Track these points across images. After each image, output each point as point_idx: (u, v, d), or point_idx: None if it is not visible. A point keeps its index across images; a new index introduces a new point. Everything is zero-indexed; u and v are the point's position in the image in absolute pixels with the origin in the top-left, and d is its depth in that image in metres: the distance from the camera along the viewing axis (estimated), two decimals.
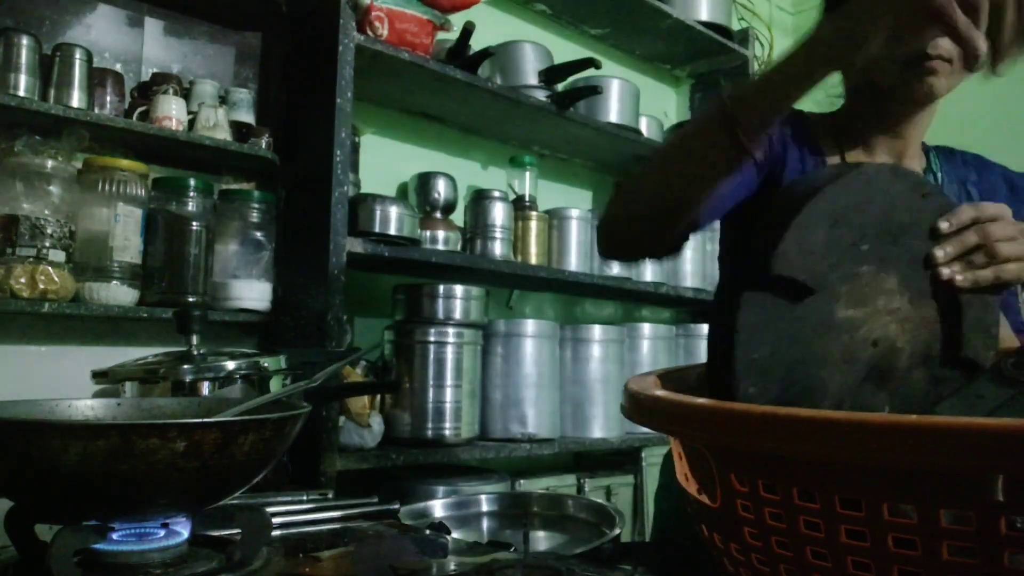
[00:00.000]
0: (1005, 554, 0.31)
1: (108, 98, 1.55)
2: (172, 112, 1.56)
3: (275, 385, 1.25)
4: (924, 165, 1.04)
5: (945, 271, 0.68)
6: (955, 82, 0.91)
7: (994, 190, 1.02)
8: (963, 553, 0.32)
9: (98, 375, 1.24)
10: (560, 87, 2.11)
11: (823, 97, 0.93)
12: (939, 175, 1.03)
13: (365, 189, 1.84)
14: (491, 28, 2.08)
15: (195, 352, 1.20)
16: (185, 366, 1.17)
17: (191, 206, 1.59)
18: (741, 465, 0.40)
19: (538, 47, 2.09)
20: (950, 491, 0.32)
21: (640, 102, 2.32)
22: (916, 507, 0.33)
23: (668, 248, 0.94)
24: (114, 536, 0.68)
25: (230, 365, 1.19)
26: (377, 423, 1.67)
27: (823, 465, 0.36)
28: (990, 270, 0.70)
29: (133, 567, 0.67)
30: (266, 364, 1.24)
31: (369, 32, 1.65)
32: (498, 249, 1.98)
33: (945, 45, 0.87)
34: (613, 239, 0.95)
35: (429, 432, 1.74)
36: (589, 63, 1.99)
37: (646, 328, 2.26)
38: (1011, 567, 0.31)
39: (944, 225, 0.69)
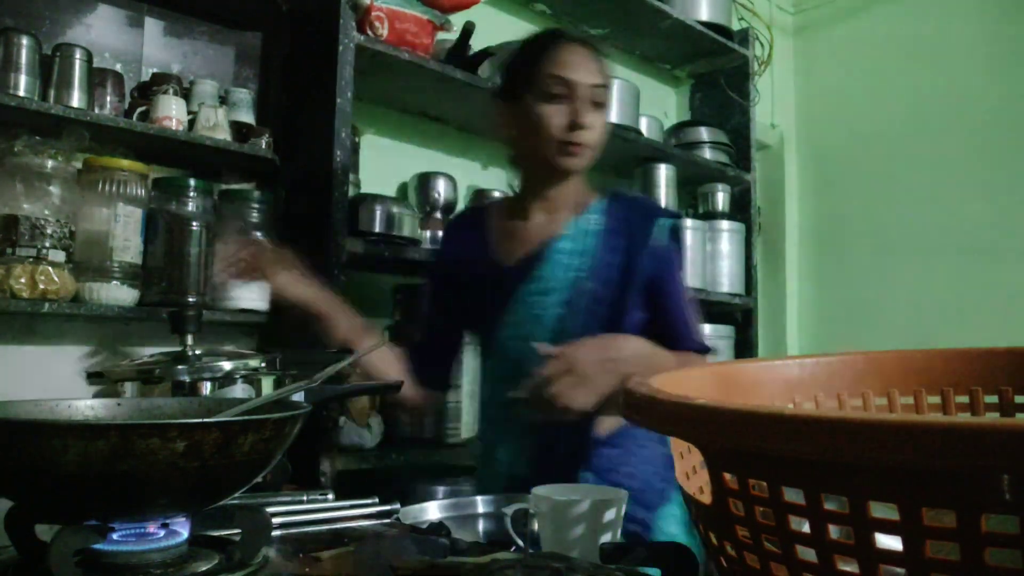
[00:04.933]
0: (987, 552, 0.32)
1: (108, 98, 1.55)
2: (172, 112, 1.56)
3: (274, 386, 1.25)
4: (579, 214, 1.29)
5: None
6: (589, 163, 1.26)
7: (647, 232, 1.27)
8: (947, 551, 0.33)
9: (93, 375, 1.24)
10: None
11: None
12: (601, 217, 1.28)
13: (365, 189, 1.84)
14: (491, 28, 2.08)
15: (190, 352, 1.19)
16: (180, 366, 1.17)
17: (191, 206, 1.59)
18: (732, 463, 0.41)
19: None
20: (934, 490, 0.33)
21: (640, 102, 2.32)
22: (899, 505, 0.34)
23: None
24: (114, 536, 0.68)
25: (226, 365, 1.19)
26: (377, 423, 1.67)
27: (808, 463, 0.36)
28: None
29: (133, 567, 0.67)
30: (262, 364, 1.24)
31: (369, 32, 1.65)
32: None
33: (585, 136, 1.21)
34: None
35: (429, 432, 1.74)
36: None
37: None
38: (992, 564, 0.32)
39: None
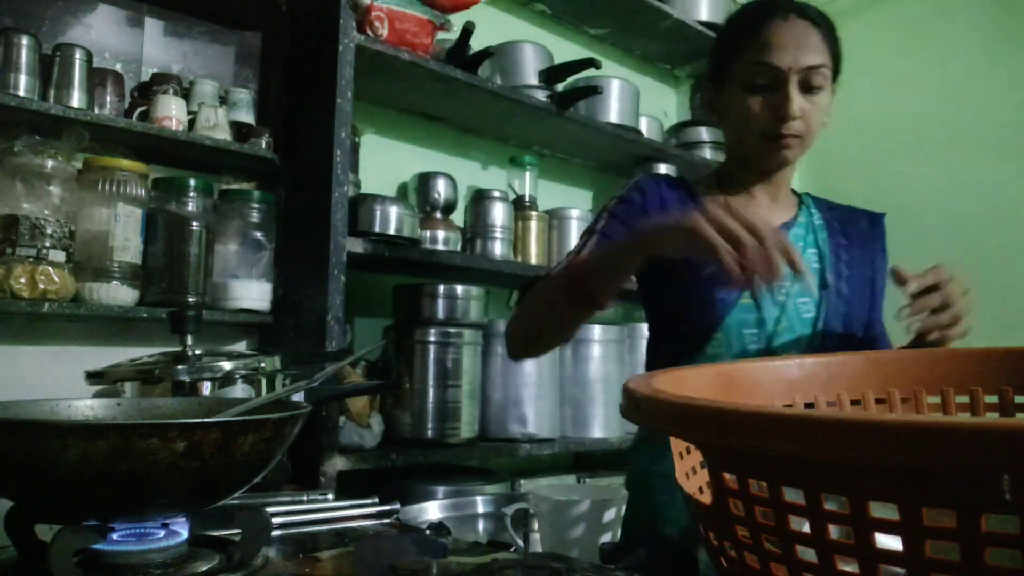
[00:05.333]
0: (987, 552, 0.32)
1: (108, 98, 1.55)
2: (172, 112, 1.56)
3: (274, 386, 1.25)
4: (796, 205, 1.23)
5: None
6: (804, 151, 1.13)
7: (882, 243, 1.26)
8: (947, 551, 0.33)
9: (93, 376, 1.24)
10: (560, 87, 2.11)
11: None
12: (813, 212, 1.23)
13: (365, 189, 1.84)
14: (491, 28, 2.08)
15: (189, 352, 1.19)
16: (180, 366, 1.16)
17: (191, 206, 1.59)
18: (732, 463, 0.41)
19: (538, 47, 2.09)
20: (934, 490, 0.33)
21: (640, 102, 2.32)
22: (899, 505, 0.34)
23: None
24: (114, 536, 0.68)
25: (226, 365, 1.19)
26: (377, 423, 1.67)
27: (808, 463, 0.36)
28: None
29: (133, 567, 0.67)
30: (262, 364, 1.24)
31: (369, 32, 1.65)
32: (498, 249, 1.98)
33: (795, 126, 1.07)
34: (510, 351, 1.17)
35: (429, 432, 1.74)
36: (589, 63, 1.99)
37: (646, 328, 2.25)
38: (992, 564, 0.32)
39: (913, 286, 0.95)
